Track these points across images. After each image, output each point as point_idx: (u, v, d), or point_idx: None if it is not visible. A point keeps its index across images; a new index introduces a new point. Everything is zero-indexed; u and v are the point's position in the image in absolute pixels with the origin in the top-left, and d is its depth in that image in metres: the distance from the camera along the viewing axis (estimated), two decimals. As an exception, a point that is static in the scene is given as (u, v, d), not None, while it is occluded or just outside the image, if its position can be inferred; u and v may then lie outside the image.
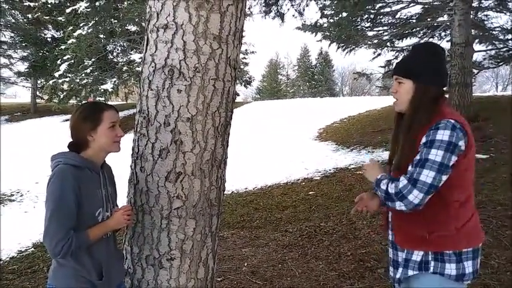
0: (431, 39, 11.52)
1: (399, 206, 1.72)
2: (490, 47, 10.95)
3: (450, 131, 1.67)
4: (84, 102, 1.99)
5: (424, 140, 1.72)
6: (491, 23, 10.71)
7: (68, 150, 1.78)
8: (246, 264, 4.12)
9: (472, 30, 9.61)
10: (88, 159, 1.77)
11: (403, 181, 1.70)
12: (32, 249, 5.15)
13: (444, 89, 1.90)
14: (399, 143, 1.89)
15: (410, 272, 1.81)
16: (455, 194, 1.74)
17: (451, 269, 1.74)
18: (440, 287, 1.76)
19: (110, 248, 1.87)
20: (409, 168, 1.72)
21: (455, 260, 1.74)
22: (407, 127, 1.81)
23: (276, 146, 10.36)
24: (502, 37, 10.68)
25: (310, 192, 6.46)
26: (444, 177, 1.67)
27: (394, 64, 1.96)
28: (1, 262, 4.78)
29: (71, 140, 1.80)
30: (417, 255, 1.79)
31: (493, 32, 10.66)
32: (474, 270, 1.78)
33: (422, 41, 11.51)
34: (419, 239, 1.78)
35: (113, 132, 1.80)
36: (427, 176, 1.65)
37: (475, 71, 11.03)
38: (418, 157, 1.71)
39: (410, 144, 1.77)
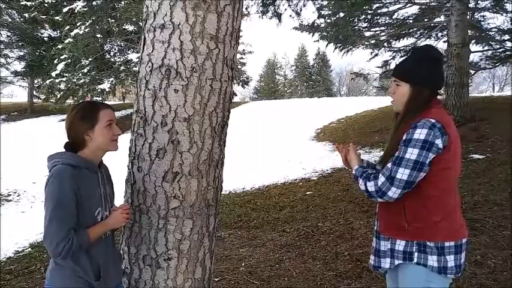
0: (428, 40, 11.57)
1: (380, 199, 1.86)
2: (486, 48, 10.98)
3: (427, 129, 1.76)
4: (79, 102, 1.99)
5: (404, 137, 1.81)
6: (488, 23, 10.76)
7: (64, 150, 1.78)
8: (243, 264, 4.12)
9: (469, 31, 9.65)
10: (86, 159, 1.76)
11: (381, 178, 1.81)
12: (29, 249, 5.13)
13: (439, 91, 1.97)
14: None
15: (396, 262, 1.90)
16: (434, 190, 1.82)
17: (433, 260, 1.82)
18: (424, 278, 1.84)
19: (108, 248, 1.87)
20: (388, 164, 1.83)
21: (437, 253, 1.82)
22: (396, 127, 1.90)
23: (274, 146, 10.37)
24: (498, 38, 10.71)
25: (308, 193, 6.47)
26: (422, 174, 1.78)
27: (394, 65, 2.04)
28: (-3, 262, 4.76)
29: (67, 139, 1.80)
30: (399, 245, 1.89)
31: (490, 33, 10.69)
32: (457, 264, 1.84)
33: (419, 42, 11.57)
34: (400, 228, 1.88)
35: (110, 130, 1.79)
36: (402, 173, 1.77)
37: (472, 71, 11.07)
38: (396, 154, 1.81)
39: (394, 142, 1.87)
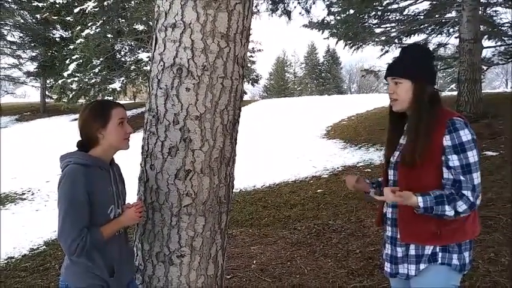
0: (439, 36, 11.47)
1: (468, 213, 1.77)
2: (499, 43, 10.84)
3: (467, 129, 1.76)
4: (92, 101, 2.02)
5: (449, 143, 1.76)
6: (500, 18, 10.63)
7: (76, 149, 1.80)
8: (254, 261, 4.14)
9: (481, 26, 9.53)
10: (97, 157, 1.79)
11: (467, 193, 1.74)
12: (44, 247, 5.21)
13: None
14: (394, 141, 1.94)
15: (422, 266, 1.85)
16: None
17: (455, 259, 1.81)
18: (447, 277, 1.83)
19: (122, 245, 1.89)
20: (460, 177, 1.75)
21: (458, 251, 1.82)
22: (415, 124, 1.84)
23: (284, 144, 10.36)
24: (511, 33, 10.57)
25: (319, 190, 6.46)
26: None
27: (388, 66, 1.99)
28: (13, 260, 4.85)
29: (80, 138, 1.82)
30: (428, 250, 1.84)
31: (502, 28, 10.56)
32: (470, 260, 1.86)
33: (430, 38, 11.47)
34: (431, 235, 1.82)
35: (122, 129, 1.81)
36: (477, 178, 1.75)
37: (485, 67, 10.93)
38: (457, 163, 1.75)
39: (425, 140, 1.79)
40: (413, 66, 1.87)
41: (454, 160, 1.75)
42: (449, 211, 1.73)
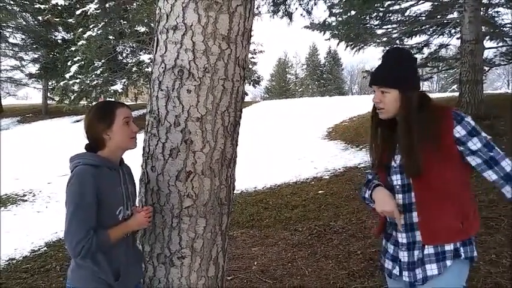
0: (440, 37, 11.47)
1: None
2: (501, 44, 10.83)
3: (469, 116, 1.76)
4: (95, 102, 2.02)
5: (463, 132, 1.73)
6: (502, 19, 10.62)
7: (85, 151, 1.80)
8: (255, 263, 4.14)
9: (483, 27, 9.51)
10: (106, 158, 1.78)
11: (505, 160, 1.72)
12: (45, 248, 5.22)
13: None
14: (391, 143, 1.87)
15: (448, 263, 1.77)
16: (469, 177, 1.81)
17: (476, 251, 1.80)
18: (467, 271, 1.81)
19: (129, 249, 1.88)
20: (490, 154, 1.72)
21: (472, 243, 1.81)
22: (407, 132, 1.78)
23: (285, 145, 10.36)
24: (513, 34, 10.57)
25: (320, 191, 6.46)
26: None
27: (372, 74, 1.91)
28: (14, 261, 4.86)
29: (87, 141, 1.82)
30: (450, 245, 1.77)
31: (504, 29, 10.55)
32: None
33: (432, 39, 11.48)
34: (454, 230, 1.77)
35: (128, 128, 1.81)
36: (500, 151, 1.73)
37: (486, 68, 10.92)
38: (479, 144, 1.73)
39: (433, 142, 1.74)
40: (399, 74, 1.80)
41: (475, 143, 1.72)
42: (507, 164, 1.73)
